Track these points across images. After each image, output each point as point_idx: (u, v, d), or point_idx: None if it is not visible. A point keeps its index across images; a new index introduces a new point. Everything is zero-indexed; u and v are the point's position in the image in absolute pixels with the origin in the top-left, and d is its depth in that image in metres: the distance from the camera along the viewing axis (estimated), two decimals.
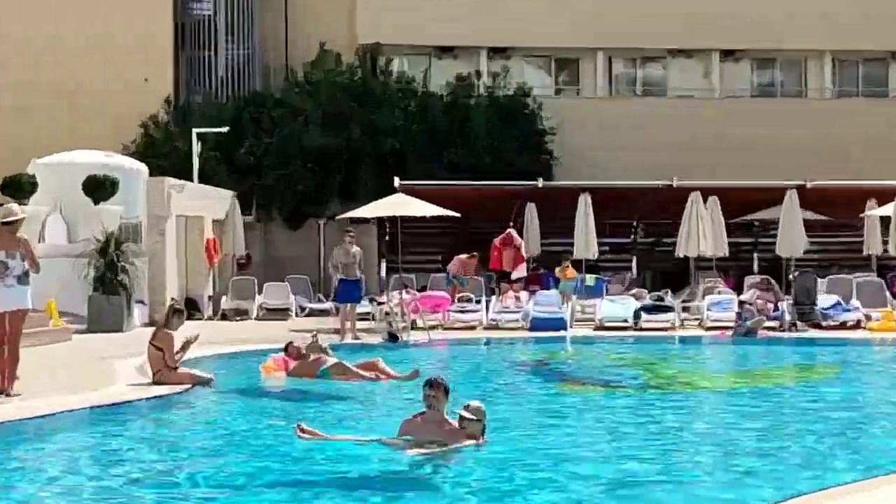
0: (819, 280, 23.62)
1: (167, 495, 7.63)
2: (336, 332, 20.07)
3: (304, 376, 14.29)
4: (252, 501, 7.43)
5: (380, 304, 22.41)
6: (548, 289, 24.52)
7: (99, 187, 22.22)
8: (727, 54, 37.08)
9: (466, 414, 8.67)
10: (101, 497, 7.76)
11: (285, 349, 15.07)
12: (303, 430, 9.09)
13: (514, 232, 25.21)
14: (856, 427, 11.10)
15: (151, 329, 15.43)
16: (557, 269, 25.16)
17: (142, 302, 22.73)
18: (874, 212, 25.64)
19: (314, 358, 14.52)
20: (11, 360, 12.41)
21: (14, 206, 14.44)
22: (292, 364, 14.63)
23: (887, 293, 23.90)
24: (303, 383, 14.02)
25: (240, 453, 9.40)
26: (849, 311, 22.46)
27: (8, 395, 12.19)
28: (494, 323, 22.84)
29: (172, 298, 21.38)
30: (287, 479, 8.15)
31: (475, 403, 8.90)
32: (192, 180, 27.30)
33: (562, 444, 10.15)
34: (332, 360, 14.58)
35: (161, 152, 30.50)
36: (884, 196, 25.16)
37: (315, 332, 16.85)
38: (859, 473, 8.15)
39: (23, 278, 12.44)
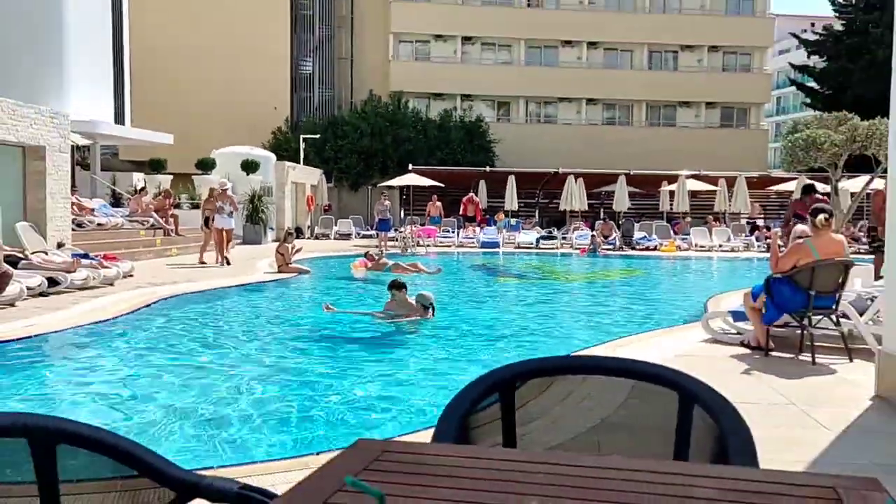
0: (635, 223, 26.78)
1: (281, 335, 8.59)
2: (377, 247, 20.77)
3: (377, 270, 15.22)
4: (287, 344, 7.89)
5: (400, 232, 24.19)
6: (490, 226, 27.23)
7: (249, 166, 24.87)
8: (590, 101, 42.43)
9: (413, 299, 9.13)
10: (251, 328, 9.01)
11: (366, 255, 15.96)
12: (327, 307, 9.39)
13: (474, 195, 28.31)
14: (653, 302, 11.95)
15: (276, 243, 17.66)
16: (496, 216, 28.56)
17: (272, 228, 24.75)
18: (665, 188, 29.66)
19: (383, 261, 15.77)
20: (224, 249, 16.09)
21: (225, 180, 18.89)
22: (370, 263, 15.47)
23: (671, 231, 27.09)
24: (376, 274, 14.91)
25: (308, 314, 9.92)
26: (651, 240, 25.32)
27: (225, 263, 15.65)
28: (461, 243, 25.15)
29: (288, 226, 22.85)
30: (312, 335, 8.47)
31: (425, 293, 9.20)
32: (299, 163, 30.12)
33: (492, 312, 10.83)
34: (391, 262, 15.80)
35: (283, 148, 34.18)
36: (671, 179, 29.28)
37: (381, 252, 17.55)
38: (663, 324, 8.82)
39: (232, 214, 16.72)
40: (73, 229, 14.89)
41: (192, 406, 5.56)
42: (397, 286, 9.09)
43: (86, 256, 12.63)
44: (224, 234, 16.27)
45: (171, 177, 24.31)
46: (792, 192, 25.04)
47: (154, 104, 33.07)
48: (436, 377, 6.56)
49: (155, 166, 24.05)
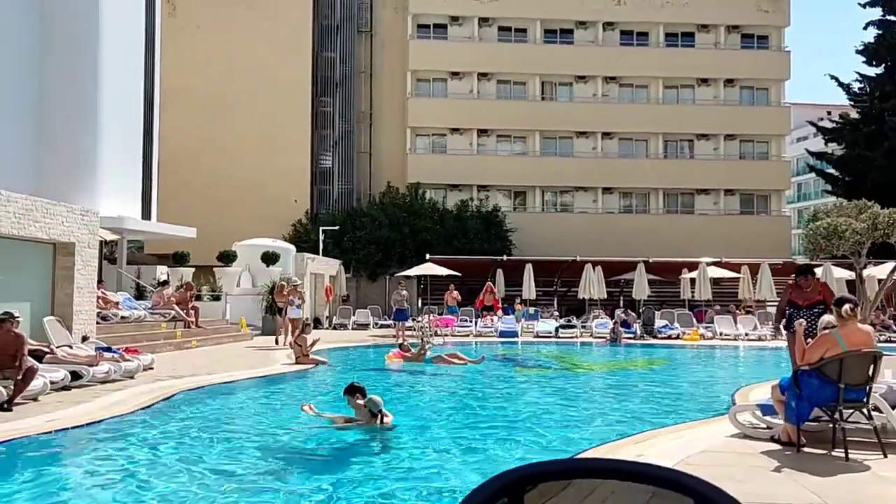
0: (656, 311, 26.86)
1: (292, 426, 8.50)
2: (394, 337, 21.68)
3: (415, 361, 15.55)
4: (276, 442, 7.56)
5: (418, 322, 24.74)
6: (508, 314, 27.51)
7: (269, 258, 25.51)
8: (606, 190, 42.63)
9: (361, 401, 8.39)
10: (261, 417, 9.18)
11: (400, 346, 16.69)
12: (308, 407, 9.07)
13: (491, 285, 28.90)
14: (676, 394, 11.76)
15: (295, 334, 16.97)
16: (515, 305, 28.51)
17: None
18: (685, 275, 29.42)
19: (421, 352, 16.01)
20: (293, 335, 16.52)
21: (295, 278, 20.48)
22: (408, 354, 15.89)
23: (694, 320, 26.95)
24: (414, 365, 15.23)
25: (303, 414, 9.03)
26: (673, 329, 25.25)
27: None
28: (479, 333, 25.44)
29: (306, 317, 20.90)
30: (282, 450, 7.50)
31: (375, 398, 8.49)
32: (318, 254, 30.87)
33: (509, 403, 10.68)
34: (431, 354, 15.78)
35: (303, 240, 35.30)
36: (691, 266, 29.06)
37: (421, 344, 16.94)
38: (682, 420, 8.57)
39: (300, 305, 18.65)
40: (97, 322, 15.20)
41: None
42: (350, 390, 8.41)
43: (108, 350, 12.85)
44: (292, 322, 18.42)
45: (192, 269, 24.77)
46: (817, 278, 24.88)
47: (179, 198, 34.05)
48: (441, 477, 6.27)
49: (178, 259, 24.47)
